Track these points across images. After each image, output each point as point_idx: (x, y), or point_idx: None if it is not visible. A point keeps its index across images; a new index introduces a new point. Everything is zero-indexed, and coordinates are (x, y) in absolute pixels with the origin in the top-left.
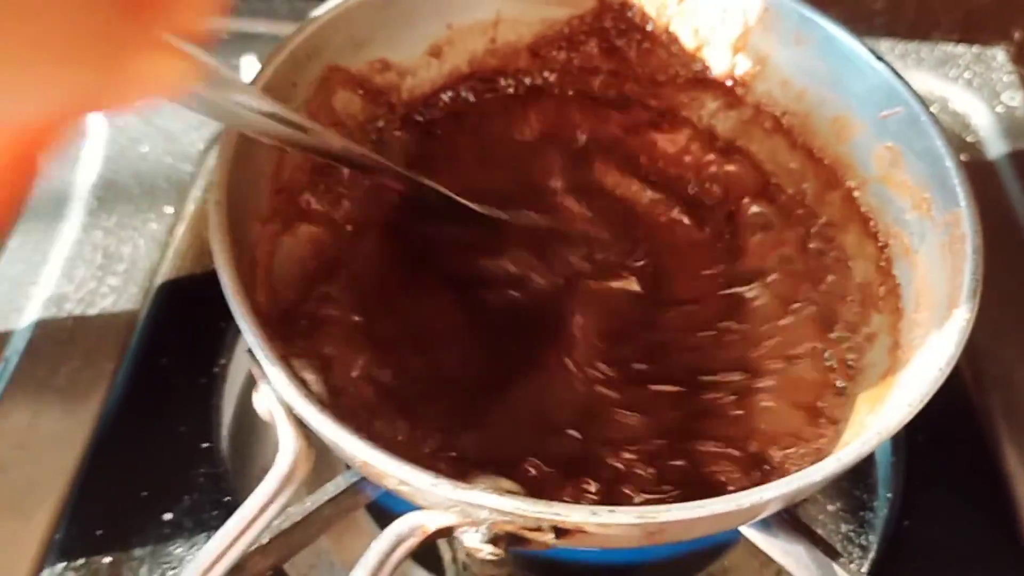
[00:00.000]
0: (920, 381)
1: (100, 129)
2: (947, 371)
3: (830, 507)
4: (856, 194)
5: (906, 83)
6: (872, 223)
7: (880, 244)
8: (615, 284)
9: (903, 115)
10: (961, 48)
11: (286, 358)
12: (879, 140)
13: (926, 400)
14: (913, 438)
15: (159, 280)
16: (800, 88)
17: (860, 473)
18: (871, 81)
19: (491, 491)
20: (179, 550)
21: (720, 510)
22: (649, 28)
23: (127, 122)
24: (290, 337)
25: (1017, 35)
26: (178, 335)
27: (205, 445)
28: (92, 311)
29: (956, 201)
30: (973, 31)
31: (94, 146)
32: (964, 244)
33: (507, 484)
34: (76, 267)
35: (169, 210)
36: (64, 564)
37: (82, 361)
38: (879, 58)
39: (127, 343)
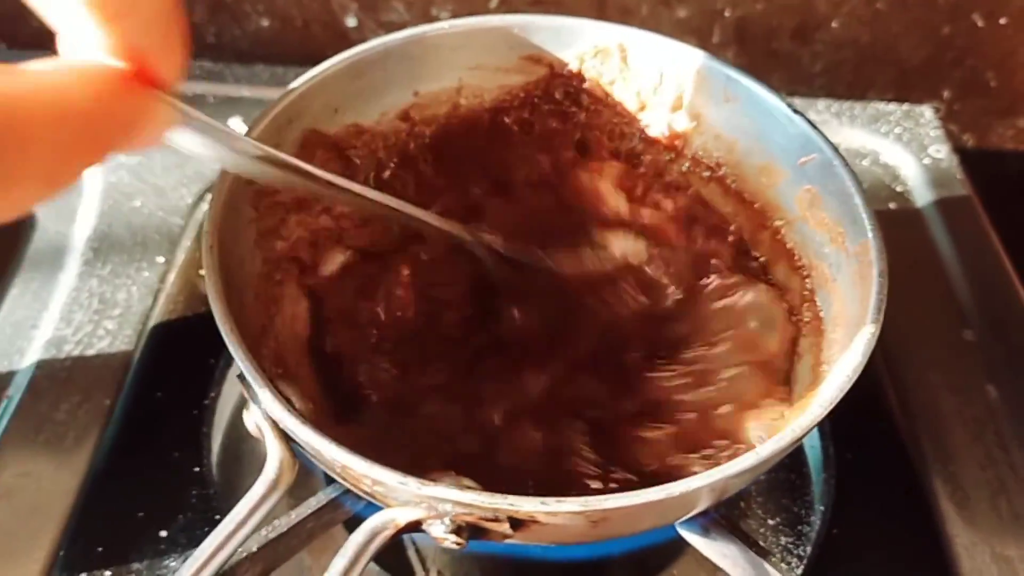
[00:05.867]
0: (833, 387)
1: (95, 185)
2: (854, 377)
3: (771, 521)
4: (782, 232)
5: (820, 132)
6: (797, 257)
7: (804, 276)
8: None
9: (818, 161)
10: (892, 106)
11: (272, 380)
12: (799, 184)
13: (836, 401)
14: (842, 456)
15: (152, 323)
16: (731, 140)
17: (798, 490)
18: (790, 132)
19: (453, 486)
20: (174, 563)
21: (654, 498)
22: (596, 92)
23: (120, 178)
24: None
25: (946, 94)
26: (171, 372)
27: (196, 469)
28: (90, 352)
29: (864, 232)
30: (905, 90)
31: (89, 201)
32: (871, 269)
33: (467, 481)
34: (74, 312)
35: (160, 259)
36: None
37: (81, 397)
38: (796, 111)
39: (123, 380)
